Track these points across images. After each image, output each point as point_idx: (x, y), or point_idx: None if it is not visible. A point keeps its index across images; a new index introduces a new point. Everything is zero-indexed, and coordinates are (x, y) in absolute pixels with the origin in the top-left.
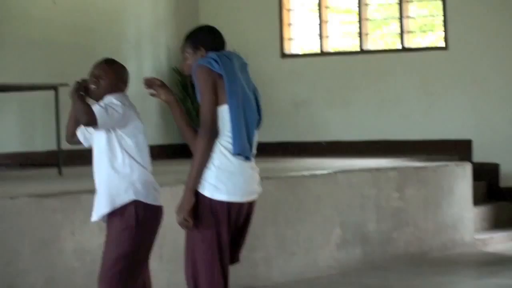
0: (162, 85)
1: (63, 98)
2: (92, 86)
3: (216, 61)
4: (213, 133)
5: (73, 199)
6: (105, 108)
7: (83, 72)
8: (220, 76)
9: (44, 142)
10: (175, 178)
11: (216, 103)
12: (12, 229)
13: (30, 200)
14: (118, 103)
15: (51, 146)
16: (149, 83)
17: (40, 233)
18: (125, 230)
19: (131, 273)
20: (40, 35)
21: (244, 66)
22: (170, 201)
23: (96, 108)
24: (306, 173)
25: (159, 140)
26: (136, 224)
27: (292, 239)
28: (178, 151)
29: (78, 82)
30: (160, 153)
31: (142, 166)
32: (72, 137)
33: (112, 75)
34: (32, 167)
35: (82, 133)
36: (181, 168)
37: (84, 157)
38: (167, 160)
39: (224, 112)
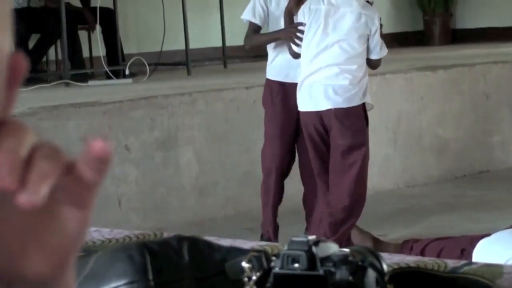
0: None
1: None
2: None
3: None
4: None
5: None
6: None
7: None
8: None
9: None
10: (409, 65)
11: None
12: (248, 118)
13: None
14: None
15: None
16: None
17: None
18: None
19: None
20: None
21: None
22: (403, 87)
23: None
24: None
25: (390, 28)
26: None
27: None
28: (409, 38)
29: None
30: (392, 41)
31: None
32: None
33: None
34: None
35: None
36: (412, 56)
37: None
38: (399, 48)
39: None
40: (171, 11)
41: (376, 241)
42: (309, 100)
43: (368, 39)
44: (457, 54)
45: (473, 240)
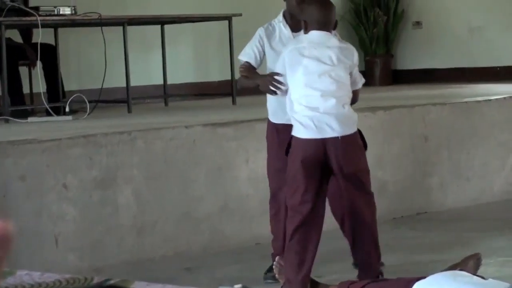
0: None
1: (236, 29)
2: None
3: None
4: None
5: (247, 128)
6: None
7: (258, 1)
8: None
9: (218, 73)
10: None
11: None
12: (188, 158)
13: (204, 129)
14: None
15: (225, 76)
16: None
17: (215, 161)
18: None
19: None
20: None
21: None
22: None
23: None
24: (480, 98)
25: None
26: None
27: (466, 164)
28: None
29: None
30: None
31: None
32: None
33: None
34: (206, 97)
35: None
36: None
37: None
38: None
39: None
40: (113, 48)
41: (313, 282)
42: (313, 128)
43: (350, 71)
44: (397, 95)
45: (409, 283)
